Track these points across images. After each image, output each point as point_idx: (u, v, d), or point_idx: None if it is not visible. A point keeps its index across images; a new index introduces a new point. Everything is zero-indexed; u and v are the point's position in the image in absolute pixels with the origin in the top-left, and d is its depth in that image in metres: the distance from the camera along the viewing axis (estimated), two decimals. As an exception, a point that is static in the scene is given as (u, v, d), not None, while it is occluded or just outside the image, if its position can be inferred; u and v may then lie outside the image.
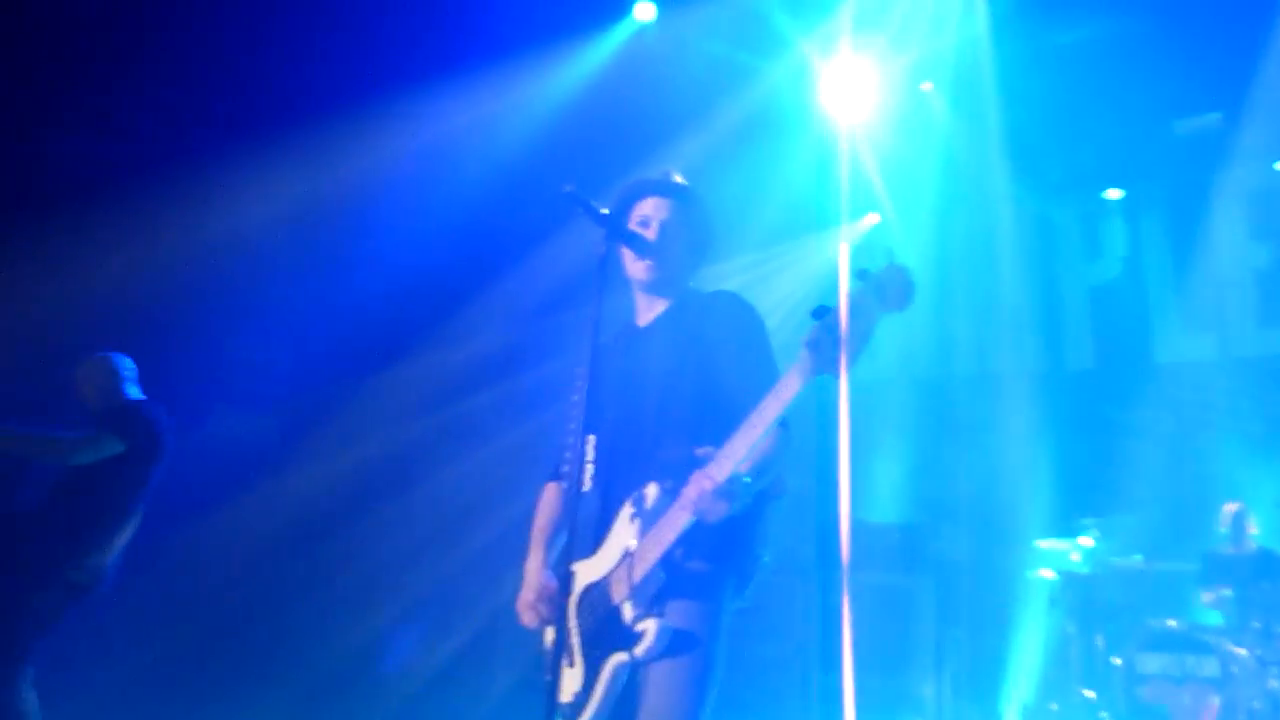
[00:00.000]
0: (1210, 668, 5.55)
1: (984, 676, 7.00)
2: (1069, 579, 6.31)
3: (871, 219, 8.19)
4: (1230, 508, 6.32)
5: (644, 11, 6.51)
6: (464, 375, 6.95)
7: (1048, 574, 6.56)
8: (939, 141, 7.53)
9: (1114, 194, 8.13)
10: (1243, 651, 5.57)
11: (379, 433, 6.81)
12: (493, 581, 5.69)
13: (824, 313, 2.24)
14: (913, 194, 7.84)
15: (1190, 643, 5.68)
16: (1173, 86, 7.24)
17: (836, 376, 2.24)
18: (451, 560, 6.52)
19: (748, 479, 2.44)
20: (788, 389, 2.34)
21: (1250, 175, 7.66)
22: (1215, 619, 6.13)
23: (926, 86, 7.26)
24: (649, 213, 2.77)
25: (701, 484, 2.38)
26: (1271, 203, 7.62)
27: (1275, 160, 7.56)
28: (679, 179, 2.85)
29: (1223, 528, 6.31)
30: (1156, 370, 7.75)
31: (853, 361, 2.23)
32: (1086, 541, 6.36)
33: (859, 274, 2.23)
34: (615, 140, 5.88)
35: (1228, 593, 5.95)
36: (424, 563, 6.69)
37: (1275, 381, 7.36)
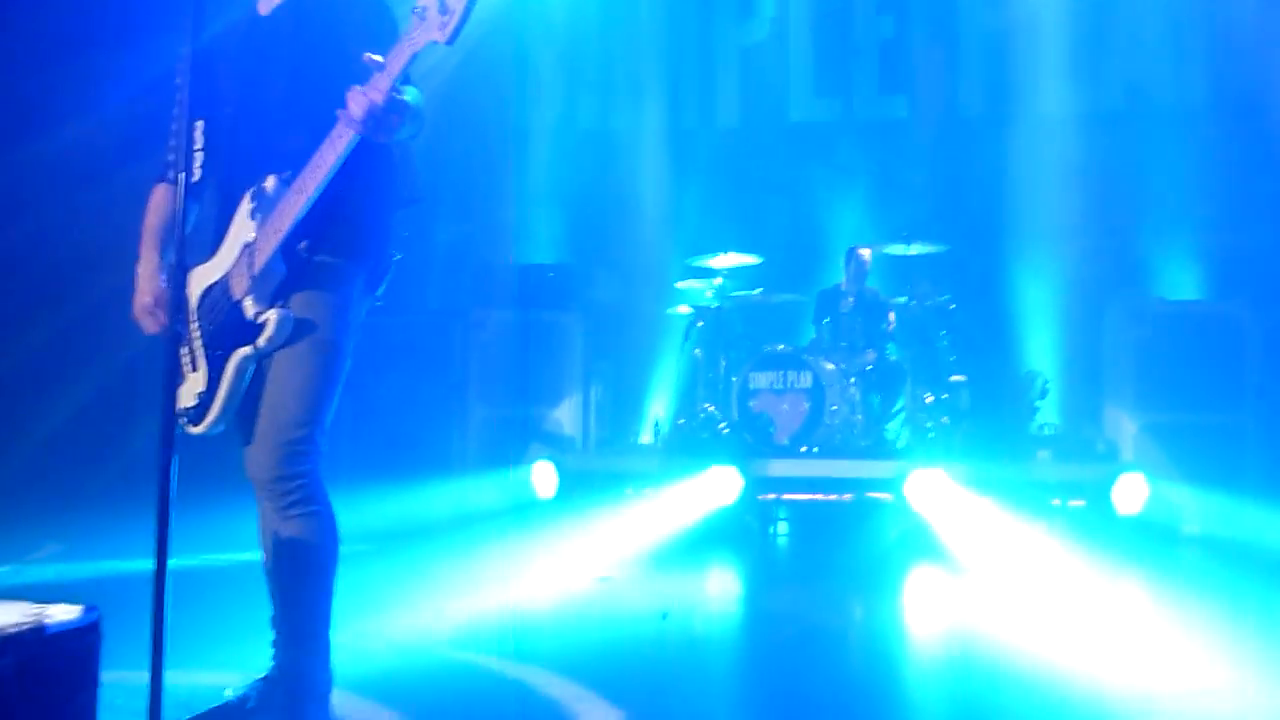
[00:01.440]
0: (805, 380, 6.49)
1: (626, 402, 7.79)
2: (700, 312, 7.03)
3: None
4: (863, 252, 7.10)
5: None
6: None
7: (684, 310, 7.28)
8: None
9: (764, -44, 8.52)
10: (830, 365, 6.57)
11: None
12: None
13: None
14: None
15: (792, 360, 6.58)
16: None
17: (446, 44, 2.28)
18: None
19: (419, 100, 2.41)
20: (410, 43, 2.31)
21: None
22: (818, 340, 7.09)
23: None
24: None
25: (368, 96, 2.31)
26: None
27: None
28: None
29: (845, 281, 7.09)
30: (792, 130, 8.49)
31: (459, 31, 2.25)
32: (718, 281, 7.07)
33: None
34: None
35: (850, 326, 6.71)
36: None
37: (889, 142, 8.30)
